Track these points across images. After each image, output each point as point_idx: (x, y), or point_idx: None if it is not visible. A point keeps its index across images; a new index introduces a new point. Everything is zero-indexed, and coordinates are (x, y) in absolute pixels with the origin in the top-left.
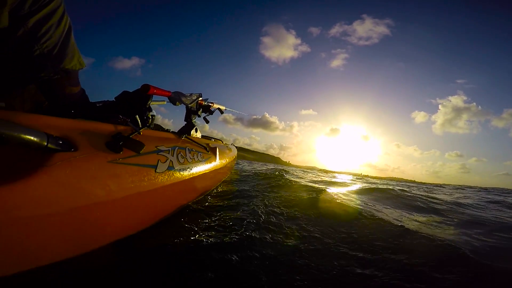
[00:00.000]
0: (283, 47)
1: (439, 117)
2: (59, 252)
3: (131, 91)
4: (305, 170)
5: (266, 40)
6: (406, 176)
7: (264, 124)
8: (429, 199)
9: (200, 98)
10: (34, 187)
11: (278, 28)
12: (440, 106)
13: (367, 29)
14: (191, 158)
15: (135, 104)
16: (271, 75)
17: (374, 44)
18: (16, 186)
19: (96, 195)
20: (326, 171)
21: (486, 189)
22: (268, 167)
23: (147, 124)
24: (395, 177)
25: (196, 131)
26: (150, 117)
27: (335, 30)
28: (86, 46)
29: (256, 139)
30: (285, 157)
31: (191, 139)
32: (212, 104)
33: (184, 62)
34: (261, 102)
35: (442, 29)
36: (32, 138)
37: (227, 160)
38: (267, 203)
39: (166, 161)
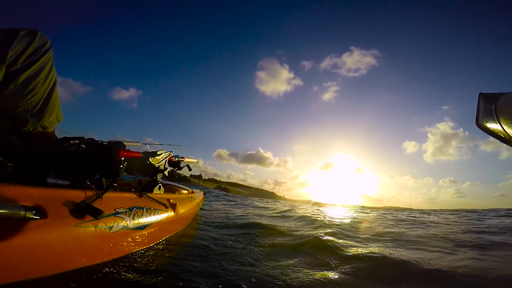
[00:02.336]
0: (277, 81)
1: (429, 146)
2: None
3: (105, 142)
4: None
5: (261, 74)
6: (402, 204)
7: (258, 159)
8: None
9: (171, 155)
10: (14, 250)
11: (273, 63)
12: (429, 134)
13: (355, 60)
14: (147, 217)
15: (104, 163)
16: (266, 109)
17: (362, 75)
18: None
19: (57, 251)
20: (321, 204)
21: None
22: (275, 206)
23: (114, 183)
24: (391, 206)
25: (159, 188)
26: (120, 168)
27: (326, 63)
28: (84, 75)
29: (251, 175)
30: (280, 191)
31: (151, 197)
32: (182, 160)
33: (179, 94)
34: (255, 137)
35: (424, 56)
36: (13, 212)
37: (188, 211)
38: None
39: (121, 222)
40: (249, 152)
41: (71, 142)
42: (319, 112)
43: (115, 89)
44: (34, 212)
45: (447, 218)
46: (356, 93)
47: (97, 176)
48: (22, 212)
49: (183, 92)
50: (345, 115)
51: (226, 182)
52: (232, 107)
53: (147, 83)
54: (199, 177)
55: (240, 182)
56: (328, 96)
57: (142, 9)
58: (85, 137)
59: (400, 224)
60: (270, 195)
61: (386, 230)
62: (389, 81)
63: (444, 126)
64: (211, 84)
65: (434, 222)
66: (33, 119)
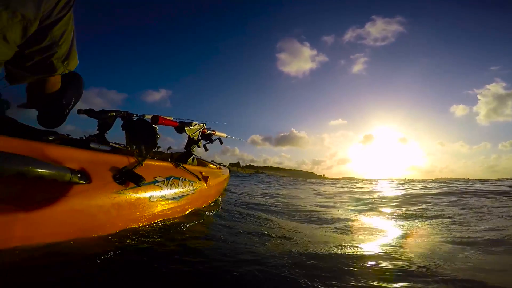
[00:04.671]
0: (300, 60)
1: (481, 108)
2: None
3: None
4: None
5: (282, 56)
6: (456, 175)
7: (292, 140)
8: None
9: (204, 127)
10: (56, 213)
11: (292, 42)
12: (479, 96)
13: (380, 29)
14: (182, 188)
15: (143, 132)
16: (293, 90)
17: (391, 43)
18: (43, 211)
19: (99, 219)
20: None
21: None
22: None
23: (153, 150)
24: (444, 178)
25: (193, 160)
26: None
27: (349, 35)
28: (115, 83)
29: (287, 157)
30: (319, 171)
31: (186, 169)
32: (214, 133)
33: (206, 89)
34: (286, 119)
35: (460, 17)
36: (59, 173)
37: (217, 185)
38: None
39: (160, 191)
40: (282, 134)
41: (109, 114)
42: (351, 85)
43: (147, 92)
44: (79, 175)
45: None
46: (388, 61)
47: (137, 143)
48: (68, 175)
49: (210, 86)
50: (380, 85)
51: (263, 167)
52: (259, 93)
53: (174, 82)
54: (237, 164)
55: (277, 165)
56: (357, 68)
57: (155, 10)
58: (121, 110)
59: None
60: (309, 176)
61: None
62: (424, 46)
63: (496, 87)
64: (233, 73)
65: None
66: (63, 64)
